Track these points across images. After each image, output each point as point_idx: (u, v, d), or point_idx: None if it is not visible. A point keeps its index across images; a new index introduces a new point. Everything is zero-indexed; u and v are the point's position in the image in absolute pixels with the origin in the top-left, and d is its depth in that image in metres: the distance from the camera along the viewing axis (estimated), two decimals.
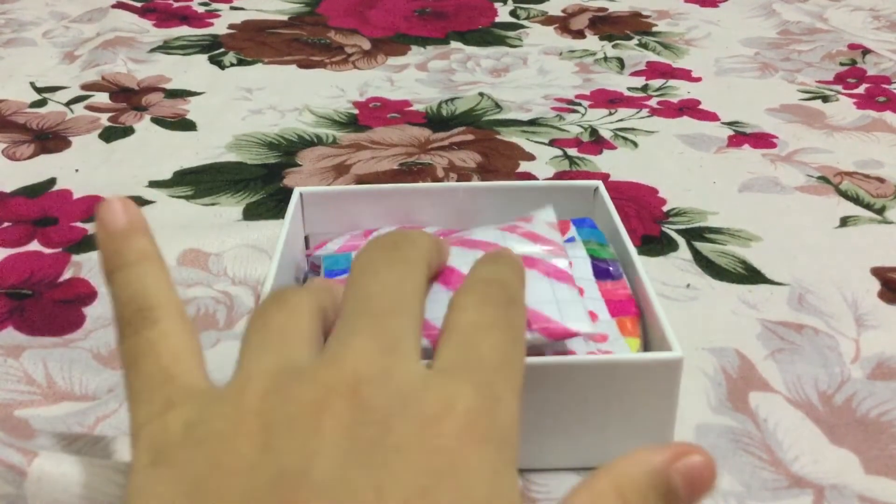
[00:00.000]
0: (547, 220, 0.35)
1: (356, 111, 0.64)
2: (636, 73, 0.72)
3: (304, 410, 0.18)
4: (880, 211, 0.50)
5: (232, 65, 0.74)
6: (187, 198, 0.51)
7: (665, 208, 0.50)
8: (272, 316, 0.22)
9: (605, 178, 0.54)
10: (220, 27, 0.83)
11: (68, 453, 0.31)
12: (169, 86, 0.69)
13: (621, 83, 0.70)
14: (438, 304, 0.26)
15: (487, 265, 0.24)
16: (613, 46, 0.79)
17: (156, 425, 0.20)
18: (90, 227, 0.48)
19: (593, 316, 0.32)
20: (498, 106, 0.65)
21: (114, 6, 0.87)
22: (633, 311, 0.33)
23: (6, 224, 0.48)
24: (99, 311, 0.41)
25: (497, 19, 0.87)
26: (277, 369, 0.20)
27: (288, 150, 0.58)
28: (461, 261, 0.29)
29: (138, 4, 0.88)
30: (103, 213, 0.24)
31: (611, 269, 0.35)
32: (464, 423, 0.19)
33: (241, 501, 0.17)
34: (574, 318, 0.29)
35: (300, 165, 0.56)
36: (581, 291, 0.34)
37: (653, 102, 0.66)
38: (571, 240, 0.37)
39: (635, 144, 0.59)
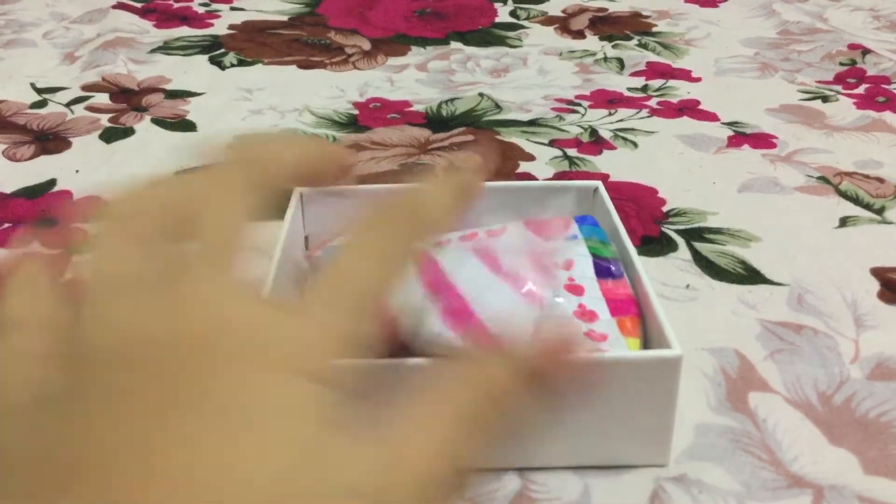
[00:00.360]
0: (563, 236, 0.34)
1: (356, 112, 0.64)
2: (636, 74, 0.72)
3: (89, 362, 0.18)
4: (880, 211, 0.50)
5: (232, 65, 0.74)
6: None
7: (665, 208, 0.50)
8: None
9: (604, 178, 0.54)
10: (220, 28, 0.83)
11: None
12: (169, 86, 0.69)
13: (621, 83, 0.70)
14: (489, 290, 0.27)
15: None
16: (613, 47, 0.79)
17: None
18: (89, 228, 0.48)
19: (593, 315, 0.32)
20: (498, 106, 0.65)
21: (114, 7, 0.87)
22: (633, 310, 0.33)
23: (6, 225, 0.48)
24: None
25: (497, 20, 0.87)
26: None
27: None
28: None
29: (138, 5, 0.89)
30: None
31: (612, 267, 0.35)
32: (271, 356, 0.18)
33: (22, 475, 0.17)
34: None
35: None
36: (582, 290, 0.34)
37: (652, 103, 0.66)
38: (574, 237, 0.37)
39: (635, 145, 0.59)
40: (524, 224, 0.38)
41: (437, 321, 0.27)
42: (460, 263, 0.30)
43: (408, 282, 0.25)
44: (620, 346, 0.32)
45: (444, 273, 0.29)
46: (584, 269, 0.35)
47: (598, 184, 0.41)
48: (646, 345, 0.32)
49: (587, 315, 0.32)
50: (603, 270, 0.35)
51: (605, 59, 0.76)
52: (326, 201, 0.41)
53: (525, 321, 0.28)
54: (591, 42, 0.81)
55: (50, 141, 0.59)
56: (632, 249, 0.36)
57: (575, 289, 0.34)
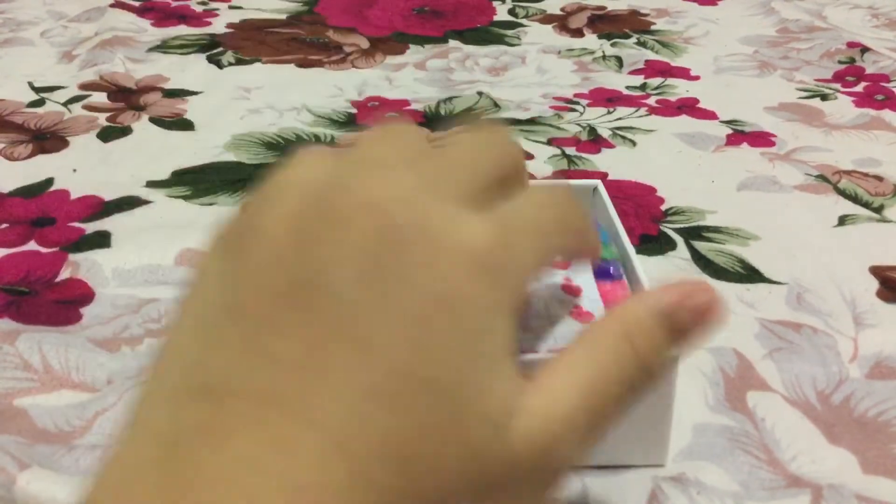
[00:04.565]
0: None
1: (355, 111, 0.64)
2: (635, 72, 0.72)
3: (336, 219, 0.20)
4: (879, 209, 0.50)
5: (230, 64, 0.73)
6: (185, 198, 0.51)
7: (663, 207, 0.50)
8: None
9: (603, 176, 0.54)
10: (218, 26, 0.83)
11: (65, 461, 0.31)
12: (167, 85, 0.69)
13: (620, 82, 0.70)
14: None
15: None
16: (612, 45, 0.79)
17: (228, 219, 0.23)
18: (88, 228, 0.48)
19: (589, 317, 0.32)
20: (496, 105, 0.65)
21: (112, 5, 0.87)
22: None
23: (4, 225, 0.48)
24: (97, 311, 0.41)
25: (495, 18, 0.87)
26: (327, 177, 0.21)
27: (286, 149, 0.58)
28: None
29: (136, 4, 0.88)
30: None
31: (611, 269, 0.35)
32: (472, 260, 0.20)
33: (267, 299, 0.19)
34: None
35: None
36: (579, 290, 0.34)
37: (651, 101, 0.66)
38: None
39: (634, 143, 0.59)
40: None
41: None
42: None
43: None
44: None
45: None
46: (583, 270, 0.35)
47: (598, 183, 0.41)
48: None
49: (584, 316, 0.32)
50: (602, 272, 0.35)
51: (604, 57, 0.76)
52: None
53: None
54: (590, 40, 0.81)
55: (47, 140, 0.59)
56: (630, 249, 0.35)
57: (572, 289, 0.34)
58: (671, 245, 0.46)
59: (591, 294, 0.34)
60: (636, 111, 0.64)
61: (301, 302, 0.19)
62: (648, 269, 0.44)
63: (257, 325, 0.19)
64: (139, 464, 0.18)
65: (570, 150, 0.57)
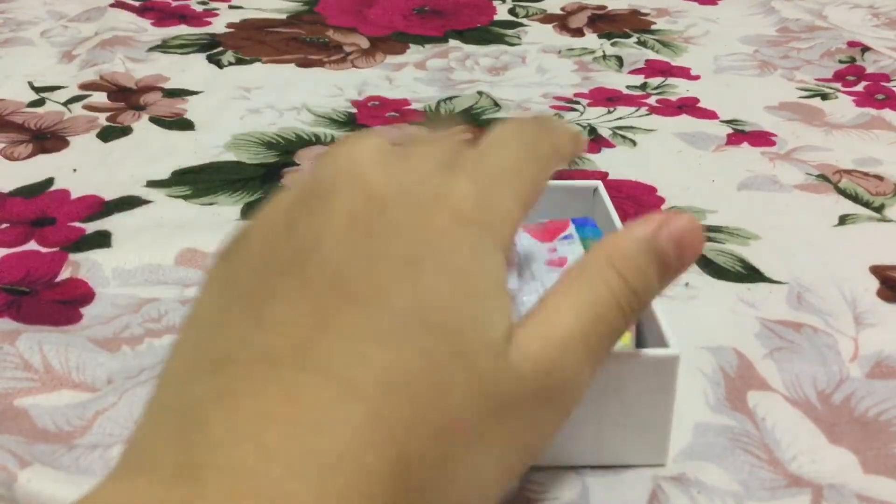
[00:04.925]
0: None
1: (355, 110, 0.64)
2: (635, 72, 0.72)
3: (321, 196, 0.22)
4: (879, 209, 0.50)
5: (230, 64, 0.73)
6: (185, 197, 0.51)
7: (664, 207, 0.50)
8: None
9: (603, 176, 0.54)
10: (218, 26, 0.83)
11: (65, 460, 0.31)
12: (167, 85, 0.69)
13: (620, 81, 0.70)
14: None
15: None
16: (612, 44, 0.79)
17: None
18: (88, 227, 0.48)
19: None
20: (496, 104, 0.65)
21: (112, 5, 0.87)
22: None
23: (4, 225, 0.48)
24: (97, 311, 0.40)
25: (496, 17, 0.87)
26: (316, 165, 0.24)
27: (286, 149, 0.58)
28: None
29: (136, 3, 0.88)
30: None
31: None
32: (454, 210, 0.22)
33: (263, 276, 0.21)
34: None
35: (299, 165, 0.55)
36: (564, 262, 0.34)
37: (651, 101, 0.66)
38: (570, 237, 0.37)
39: (634, 143, 0.59)
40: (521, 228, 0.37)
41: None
42: None
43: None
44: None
45: None
46: (571, 245, 0.34)
47: (598, 183, 0.41)
48: (643, 344, 0.32)
49: None
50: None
51: (604, 56, 0.76)
52: None
53: None
54: (590, 40, 0.81)
55: (47, 140, 0.59)
56: None
57: (559, 262, 0.33)
58: None
59: None
60: (636, 111, 0.64)
61: (295, 269, 0.20)
62: None
63: (255, 298, 0.20)
64: (156, 436, 0.18)
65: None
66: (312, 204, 0.22)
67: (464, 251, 0.21)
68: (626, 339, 0.32)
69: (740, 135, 0.60)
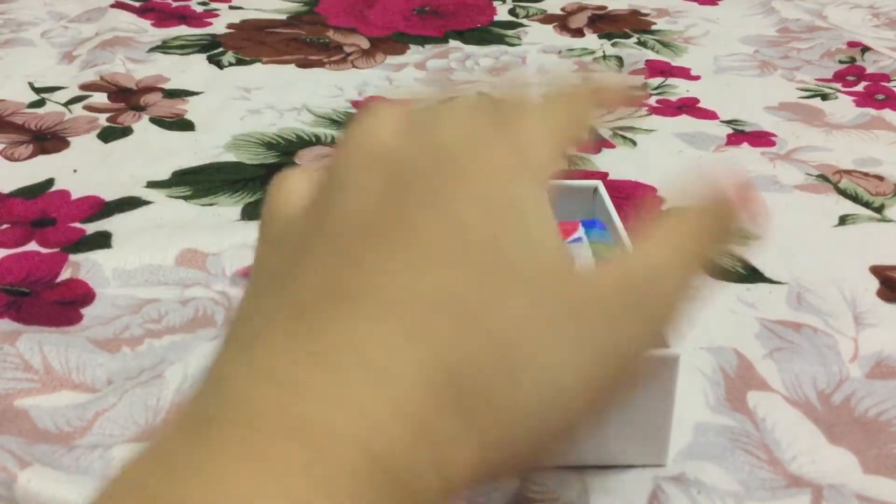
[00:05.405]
0: None
1: (355, 111, 0.64)
2: (635, 72, 0.72)
3: (340, 177, 0.22)
4: (879, 209, 0.50)
5: (230, 64, 0.74)
6: (185, 198, 0.51)
7: (664, 207, 0.50)
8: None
9: (603, 176, 0.54)
10: (218, 27, 0.83)
11: (65, 460, 0.31)
12: (167, 86, 0.69)
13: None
14: None
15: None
16: (612, 45, 0.79)
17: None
18: (89, 228, 0.48)
19: None
20: None
21: (112, 6, 0.87)
22: None
23: (5, 226, 0.48)
24: (97, 312, 0.41)
25: (496, 18, 0.87)
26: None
27: (287, 149, 0.58)
28: None
29: (137, 4, 0.88)
30: None
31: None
32: (487, 156, 0.22)
33: (294, 241, 0.22)
34: None
35: (299, 165, 0.55)
36: None
37: (652, 101, 0.66)
38: (579, 239, 0.37)
39: (634, 143, 0.59)
40: None
41: None
42: None
43: None
44: None
45: None
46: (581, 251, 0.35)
47: (598, 183, 0.41)
48: None
49: None
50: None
51: (605, 57, 0.76)
52: None
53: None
54: (591, 40, 0.81)
55: (48, 140, 0.59)
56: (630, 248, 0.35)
57: None
58: None
59: None
60: (636, 111, 0.64)
61: (319, 227, 0.21)
62: None
63: (290, 262, 0.21)
64: (234, 351, 0.20)
65: (571, 150, 0.57)
66: (332, 191, 0.22)
67: (512, 189, 0.21)
68: None
69: (740, 135, 0.60)
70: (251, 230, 0.47)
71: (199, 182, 0.53)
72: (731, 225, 0.25)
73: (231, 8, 0.89)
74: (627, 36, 0.81)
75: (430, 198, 0.21)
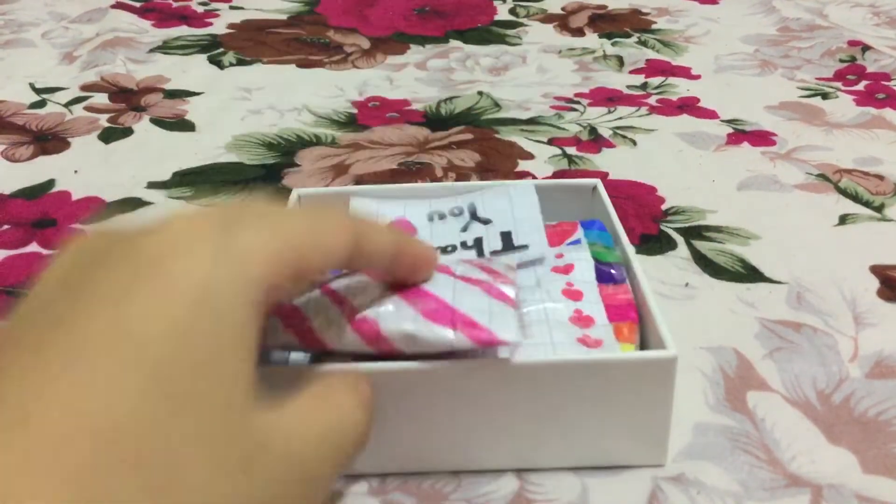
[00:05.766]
0: (507, 263, 0.34)
1: (355, 111, 0.64)
2: (635, 71, 0.72)
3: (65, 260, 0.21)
4: (879, 209, 0.50)
5: (231, 65, 0.74)
6: (186, 199, 0.51)
7: (664, 207, 0.50)
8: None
9: (603, 176, 0.54)
10: (219, 27, 0.83)
11: None
12: (168, 86, 0.69)
13: (620, 81, 0.70)
14: (464, 293, 0.28)
15: None
16: (613, 44, 0.79)
17: None
18: (90, 229, 0.48)
19: (589, 320, 0.32)
20: (497, 105, 0.65)
21: (113, 6, 0.87)
22: (632, 316, 0.33)
23: (6, 227, 0.48)
24: None
25: (496, 17, 0.87)
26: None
27: (287, 150, 0.58)
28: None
29: (137, 4, 0.88)
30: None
31: (614, 272, 0.35)
32: (185, 247, 0.20)
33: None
34: (503, 327, 0.28)
35: (299, 166, 0.56)
36: (580, 294, 0.34)
37: (652, 100, 0.66)
38: (577, 241, 0.37)
39: (634, 143, 0.59)
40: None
41: (420, 320, 0.27)
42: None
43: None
44: (614, 352, 0.31)
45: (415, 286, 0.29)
46: (585, 274, 0.34)
47: (597, 182, 0.41)
48: (643, 347, 0.32)
49: (583, 320, 0.32)
50: (604, 275, 0.35)
51: (605, 56, 0.76)
52: (324, 202, 0.41)
53: (504, 315, 0.28)
54: (591, 39, 0.81)
55: (49, 141, 0.59)
56: (630, 248, 0.35)
57: (573, 293, 0.33)
58: (672, 245, 0.46)
59: (591, 297, 0.34)
60: (637, 110, 0.64)
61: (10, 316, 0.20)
62: (649, 268, 0.44)
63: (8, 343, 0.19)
64: None
65: (571, 150, 0.57)
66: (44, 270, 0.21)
67: (199, 288, 0.19)
68: (631, 341, 0.32)
69: (741, 134, 0.60)
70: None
71: (200, 183, 0.53)
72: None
73: (232, 8, 0.89)
74: (628, 35, 0.81)
75: (108, 294, 0.19)
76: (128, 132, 0.60)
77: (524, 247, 0.36)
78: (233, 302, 0.20)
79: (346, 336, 0.27)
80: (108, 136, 0.60)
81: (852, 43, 0.77)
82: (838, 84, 0.69)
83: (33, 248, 0.46)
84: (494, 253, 0.35)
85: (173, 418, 0.18)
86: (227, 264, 0.20)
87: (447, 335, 0.27)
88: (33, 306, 0.20)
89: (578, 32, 0.83)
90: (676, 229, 0.48)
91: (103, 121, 0.62)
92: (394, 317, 0.27)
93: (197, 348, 0.19)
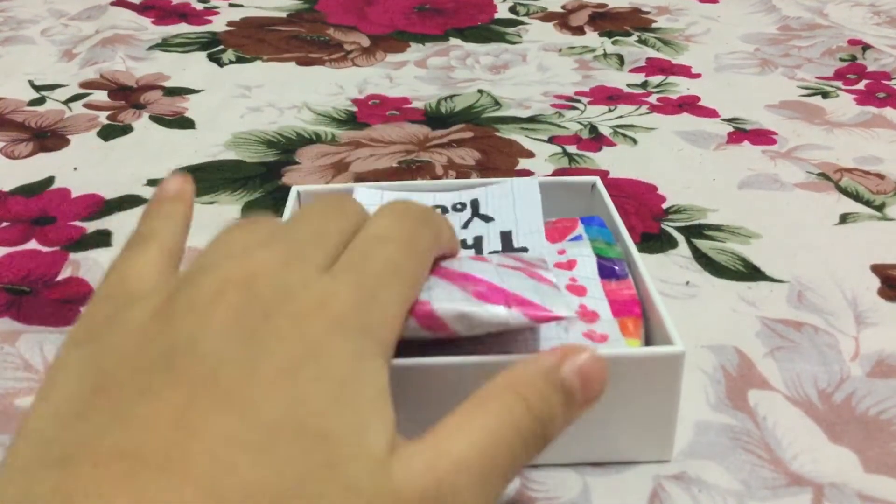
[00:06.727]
0: (538, 256, 0.34)
1: (355, 108, 0.64)
2: (636, 70, 0.72)
3: (202, 297, 0.21)
4: (880, 208, 0.50)
5: (231, 62, 0.73)
6: None
7: (664, 205, 0.50)
8: (235, 233, 0.25)
9: (604, 175, 0.54)
10: (218, 24, 0.83)
11: None
12: (168, 83, 0.69)
13: (621, 80, 0.70)
14: (507, 276, 0.28)
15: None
16: (613, 43, 0.79)
17: (88, 313, 0.23)
18: (89, 227, 0.48)
19: (594, 315, 0.32)
20: (497, 103, 0.65)
21: (112, 3, 0.87)
22: (636, 311, 0.33)
23: (5, 224, 0.48)
24: None
25: (496, 16, 0.87)
26: (197, 268, 0.23)
27: (287, 147, 0.58)
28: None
29: (137, 2, 0.88)
30: (162, 184, 0.30)
31: (616, 268, 0.35)
32: (336, 316, 0.21)
33: (131, 370, 0.20)
34: (556, 304, 0.28)
35: (299, 163, 0.55)
36: (584, 290, 0.33)
37: (652, 99, 0.66)
38: (579, 237, 0.37)
39: (635, 141, 0.59)
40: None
41: (472, 300, 0.27)
42: (466, 264, 0.30)
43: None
44: (620, 347, 0.31)
45: (457, 269, 0.29)
46: (588, 270, 0.34)
47: (596, 179, 0.41)
48: (648, 343, 0.32)
49: (588, 315, 0.32)
50: (607, 271, 0.35)
51: (605, 55, 0.76)
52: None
53: (553, 293, 0.29)
54: (591, 38, 0.81)
55: (48, 138, 0.59)
56: (632, 246, 0.35)
57: (577, 289, 0.33)
58: (672, 243, 0.46)
59: (595, 292, 0.33)
60: (637, 109, 0.64)
61: (167, 365, 0.19)
62: (650, 267, 0.44)
63: (122, 391, 0.19)
64: None
65: (571, 149, 0.57)
66: (188, 307, 0.21)
67: (343, 359, 0.21)
68: (636, 336, 0.32)
69: (741, 133, 0.60)
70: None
71: (199, 180, 0.53)
72: (561, 410, 0.23)
73: (231, 5, 0.89)
74: (628, 34, 0.81)
75: (278, 365, 0.20)
76: (127, 129, 0.60)
77: (523, 249, 0.36)
78: (376, 382, 0.21)
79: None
80: (107, 133, 0.60)
81: (853, 42, 0.77)
82: (839, 83, 0.69)
83: (32, 245, 0.46)
84: (493, 254, 0.35)
85: (324, 484, 0.19)
86: (371, 353, 0.22)
87: (501, 313, 0.27)
88: (212, 343, 0.20)
89: (579, 31, 0.83)
90: (677, 228, 0.48)
91: (103, 118, 0.62)
92: (446, 297, 0.27)
93: (348, 446, 0.19)
